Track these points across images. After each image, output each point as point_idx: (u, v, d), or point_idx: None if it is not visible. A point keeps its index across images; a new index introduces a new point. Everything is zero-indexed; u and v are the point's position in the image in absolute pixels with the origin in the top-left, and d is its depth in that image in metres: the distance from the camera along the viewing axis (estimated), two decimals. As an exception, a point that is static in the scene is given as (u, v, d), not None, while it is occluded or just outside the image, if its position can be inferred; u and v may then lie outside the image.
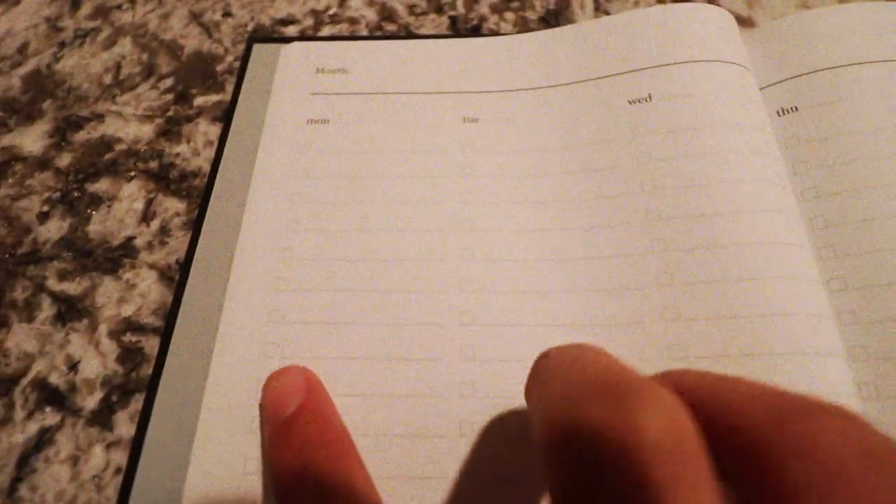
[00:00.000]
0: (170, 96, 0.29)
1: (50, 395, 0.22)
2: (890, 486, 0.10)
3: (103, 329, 0.23)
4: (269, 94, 0.27)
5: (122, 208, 0.26)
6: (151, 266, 0.24)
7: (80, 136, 0.28)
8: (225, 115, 0.27)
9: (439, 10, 0.31)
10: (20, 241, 0.25)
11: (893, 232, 0.22)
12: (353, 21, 0.31)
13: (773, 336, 0.20)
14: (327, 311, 0.22)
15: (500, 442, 0.20)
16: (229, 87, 0.29)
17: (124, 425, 0.21)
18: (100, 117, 0.28)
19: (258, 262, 0.23)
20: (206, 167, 0.26)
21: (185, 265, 0.23)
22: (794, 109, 0.26)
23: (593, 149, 0.25)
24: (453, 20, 0.31)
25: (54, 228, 0.25)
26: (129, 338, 0.23)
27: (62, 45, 0.31)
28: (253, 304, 0.22)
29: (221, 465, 0.20)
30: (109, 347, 0.23)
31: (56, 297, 0.24)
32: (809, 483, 0.11)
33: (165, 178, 0.27)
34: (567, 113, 0.26)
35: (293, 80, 0.28)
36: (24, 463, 0.21)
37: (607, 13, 0.31)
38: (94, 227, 0.25)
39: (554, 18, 0.31)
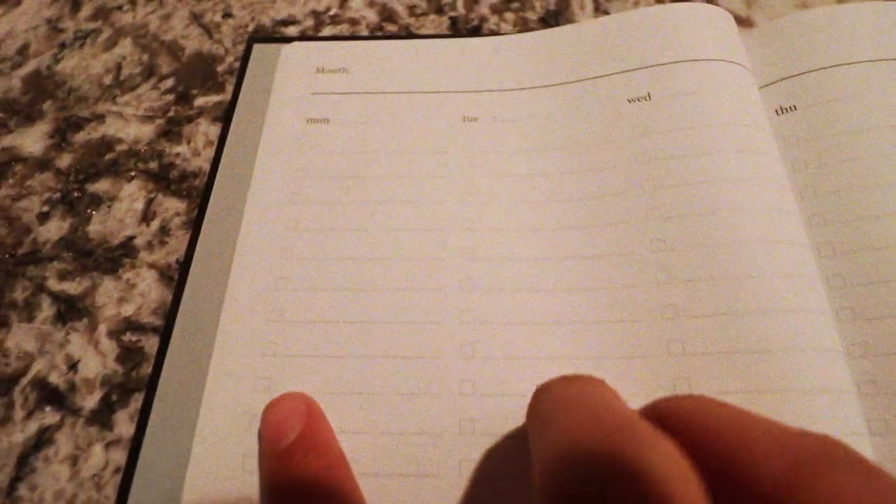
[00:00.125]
0: (170, 97, 0.29)
1: (49, 395, 0.22)
2: None
3: (103, 329, 0.23)
4: (270, 93, 0.27)
5: (123, 208, 0.26)
6: (151, 266, 0.24)
7: (81, 136, 0.28)
8: (225, 116, 0.27)
9: (439, 11, 0.31)
10: (20, 242, 0.25)
11: (892, 229, 0.22)
12: (353, 22, 0.31)
13: (772, 333, 0.20)
14: (327, 310, 0.22)
15: (501, 440, 0.20)
16: (230, 88, 0.29)
17: (124, 425, 0.21)
18: (100, 118, 0.28)
19: (258, 262, 0.23)
20: (207, 167, 0.26)
21: (185, 265, 0.23)
22: (792, 108, 0.26)
23: (593, 148, 0.25)
24: (453, 21, 0.31)
25: (54, 228, 0.26)
26: (128, 337, 0.23)
27: (62, 46, 0.31)
28: (253, 304, 0.22)
29: (221, 463, 0.20)
30: (109, 347, 0.23)
31: (56, 297, 0.24)
32: None
33: (165, 179, 0.27)
34: (567, 112, 0.26)
35: (293, 80, 0.28)
36: (24, 462, 0.21)
37: (607, 13, 0.31)
38: (95, 227, 0.25)
39: (554, 19, 0.31)
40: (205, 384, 0.21)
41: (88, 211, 0.26)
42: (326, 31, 0.31)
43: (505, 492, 0.19)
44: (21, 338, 0.23)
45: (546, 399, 0.16)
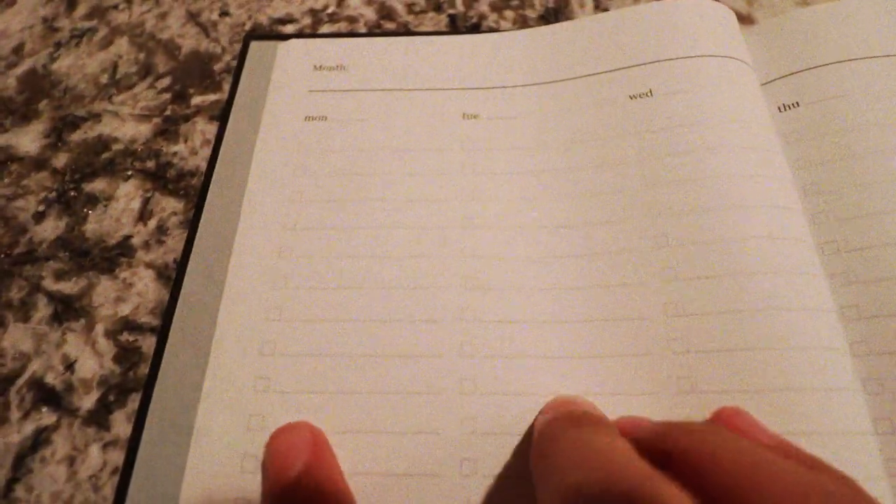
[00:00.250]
0: (167, 96, 0.29)
1: (46, 395, 0.22)
2: None
3: (100, 328, 0.23)
4: (267, 91, 0.27)
5: (119, 208, 0.26)
6: (148, 265, 0.24)
7: (77, 135, 0.28)
8: (222, 115, 0.27)
9: (438, 9, 0.31)
10: (16, 241, 0.25)
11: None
12: (351, 20, 0.31)
13: (776, 331, 0.20)
14: (326, 309, 0.22)
15: (502, 438, 0.20)
16: (227, 87, 0.29)
17: (121, 425, 0.21)
18: (96, 117, 0.28)
19: (256, 261, 0.23)
20: (204, 166, 0.26)
21: (182, 264, 0.23)
22: (795, 105, 0.26)
23: (594, 144, 0.25)
24: (452, 18, 0.31)
25: (50, 228, 0.25)
26: (125, 337, 0.23)
27: (58, 45, 0.31)
28: (251, 302, 0.22)
29: (219, 464, 0.20)
30: (106, 347, 0.23)
31: (52, 297, 0.24)
32: None
33: (162, 178, 0.26)
34: (568, 108, 0.26)
35: (291, 78, 0.28)
36: (21, 463, 0.21)
37: (606, 10, 0.30)
38: (91, 227, 0.25)
39: (553, 16, 0.31)
40: (202, 384, 0.21)
41: (85, 210, 0.26)
42: (324, 30, 0.31)
43: (507, 490, 0.19)
44: (17, 338, 0.23)
45: (556, 451, 0.16)
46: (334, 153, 0.25)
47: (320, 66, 0.28)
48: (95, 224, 0.25)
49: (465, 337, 0.21)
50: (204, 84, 0.29)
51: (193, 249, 0.24)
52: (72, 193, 0.26)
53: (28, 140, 0.28)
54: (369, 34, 0.30)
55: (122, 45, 0.31)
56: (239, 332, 0.22)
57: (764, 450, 0.14)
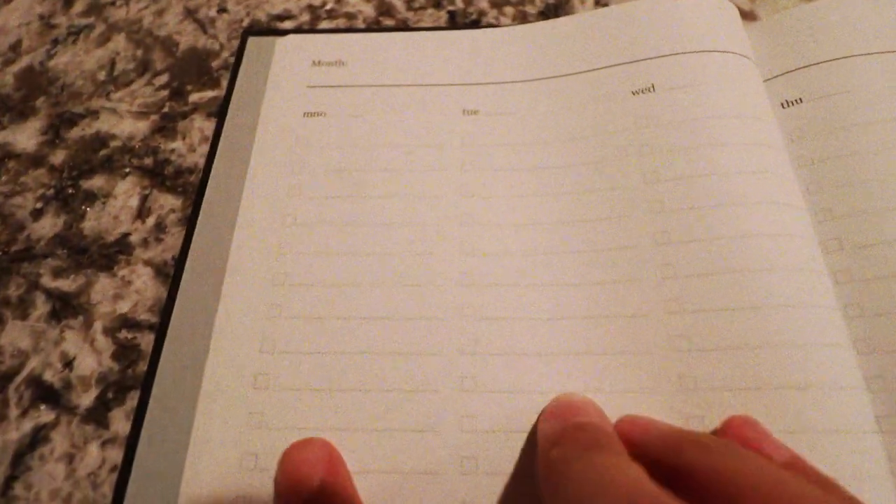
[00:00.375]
0: (165, 92, 0.29)
1: (45, 393, 0.22)
2: None
3: (98, 326, 0.23)
4: (265, 87, 0.27)
5: (117, 205, 0.26)
6: (147, 263, 0.24)
7: (75, 132, 0.28)
8: (220, 111, 0.27)
9: (437, 5, 0.31)
10: (14, 239, 0.25)
11: (898, 223, 0.22)
12: (350, 16, 0.31)
13: (777, 327, 0.20)
14: (325, 306, 0.22)
15: (502, 436, 0.20)
16: (225, 83, 0.29)
17: (120, 422, 0.21)
18: (94, 114, 0.28)
19: (255, 257, 0.23)
20: (202, 163, 0.26)
21: (180, 261, 0.23)
22: (798, 101, 0.26)
23: (596, 140, 0.25)
24: (452, 15, 0.31)
25: (48, 225, 0.25)
26: (124, 335, 0.23)
27: (55, 41, 0.30)
28: (249, 299, 0.22)
29: (218, 460, 0.19)
30: (105, 344, 0.23)
31: (50, 295, 0.24)
32: None
33: (160, 175, 0.26)
34: (569, 104, 0.26)
35: (289, 73, 0.27)
36: (19, 461, 0.21)
37: (606, 6, 0.30)
38: (89, 224, 0.25)
39: (553, 13, 0.30)
40: (201, 381, 0.21)
41: (83, 208, 0.26)
42: (323, 26, 0.30)
43: (507, 488, 0.19)
44: (15, 335, 0.23)
45: (568, 483, 0.16)
46: (333, 149, 0.25)
47: (319, 62, 0.28)
48: (93, 221, 0.25)
49: (465, 334, 0.21)
50: (202, 81, 0.29)
51: (191, 247, 0.23)
52: (70, 191, 0.26)
53: (25, 137, 0.28)
54: (368, 29, 0.30)
55: (119, 41, 0.30)
56: (238, 329, 0.22)
57: (782, 471, 0.14)
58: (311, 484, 0.18)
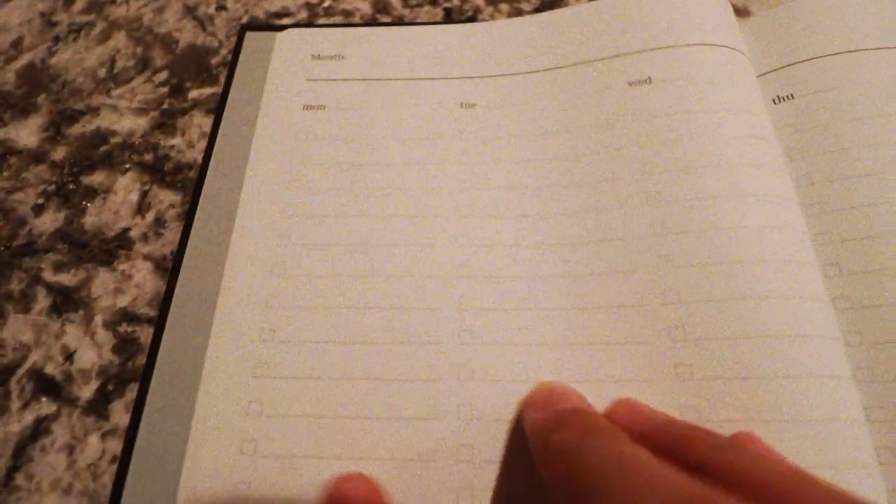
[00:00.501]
0: (164, 89, 0.29)
1: (46, 385, 0.22)
2: None
3: (99, 320, 0.23)
4: (263, 81, 0.27)
5: (117, 200, 0.26)
6: (147, 257, 0.24)
7: (75, 129, 0.28)
8: (218, 106, 0.27)
9: (434, 2, 0.31)
10: (16, 234, 0.25)
11: (888, 217, 0.22)
12: (347, 13, 0.31)
13: (769, 318, 0.20)
14: (325, 297, 0.22)
15: (499, 425, 0.20)
16: (223, 80, 0.29)
17: (120, 414, 0.21)
18: (94, 111, 0.28)
19: (254, 248, 0.23)
20: (201, 159, 0.26)
21: (179, 253, 0.23)
22: (790, 97, 0.26)
23: (592, 132, 0.25)
24: (448, 12, 0.31)
25: (49, 221, 0.26)
26: (124, 328, 0.23)
27: (56, 39, 0.31)
28: (249, 290, 0.22)
29: (218, 450, 0.20)
30: (105, 338, 0.23)
31: (51, 289, 0.24)
32: None
33: (160, 171, 0.27)
34: (566, 96, 0.26)
35: (289, 67, 0.28)
36: (21, 452, 0.21)
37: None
38: (90, 219, 0.25)
39: (548, 9, 0.31)
40: (201, 372, 0.21)
41: (83, 203, 0.26)
42: (321, 23, 0.31)
43: (505, 475, 0.19)
44: (17, 329, 0.23)
45: (581, 467, 0.15)
46: (333, 142, 0.26)
47: (318, 56, 0.28)
48: (94, 217, 0.26)
49: (463, 324, 0.22)
50: (201, 78, 0.29)
51: (190, 239, 0.24)
52: (70, 186, 0.26)
53: (27, 133, 0.28)
54: (367, 24, 0.30)
55: (119, 39, 0.31)
56: (238, 318, 0.22)
57: (802, 471, 0.14)
58: None
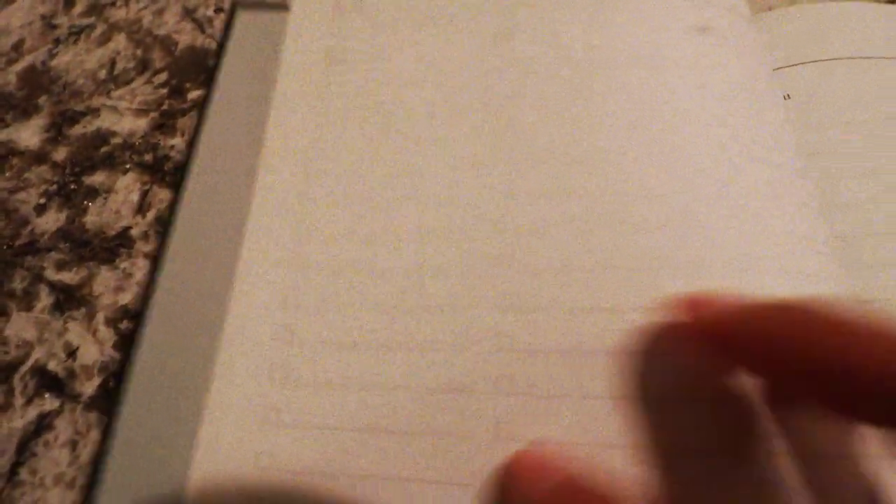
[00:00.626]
0: (164, 91, 0.29)
1: (49, 382, 0.22)
2: None
3: (101, 317, 0.24)
4: (282, 43, 0.26)
5: (118, 200, 0.26)
6: (147, 255, 0.25)
7: (76, 130, 0.28)
8: (208, 79, 0.28)
9: None
10: (18, 233, 0.26)
11: (868, 216, 0.23)
12: (344, 15, 0.31)
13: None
14: (352, 258, 0.21)
15: (540, 403, 0.18)
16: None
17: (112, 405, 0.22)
18: (95, 112, 0.29)
19: (277, 207, 0.22)
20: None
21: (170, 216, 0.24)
22: (786, 97, 0.26)
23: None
24: None
25: (52, 220, 0.26)
26: (125, 325, 0.23)
27: (57, 41, 0.31)
28: (272, 251, 0.21)
29: (239, 418, 0.19)
30: (107, 335, 0.23)
31: (54, 287, 0.24)
32: None
33: (160, 171, 0.27)
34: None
35: (310, 19, 0.27)
36: (24, 447, 0.21)
37: None
38: (91, 219, 0.26)
39: None
40: (221, 337, 0.20)
41: (85, 203, 0.26)
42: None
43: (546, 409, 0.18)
44: (20, 326, 0.23)
45: None
46: (360, 96, 0.24)
47: (338, 5, 0.27)
48: (95, 216, 0.26)
49: (503, 288, 0.20)
50: (200, 79, 0.29)
51: (186, 194, 0.24)
52: (72, 186, 0.27)
53: (28, 134, 0.28)
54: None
55: (119, 41, 0.31)
56: (260, 281, 0.21)
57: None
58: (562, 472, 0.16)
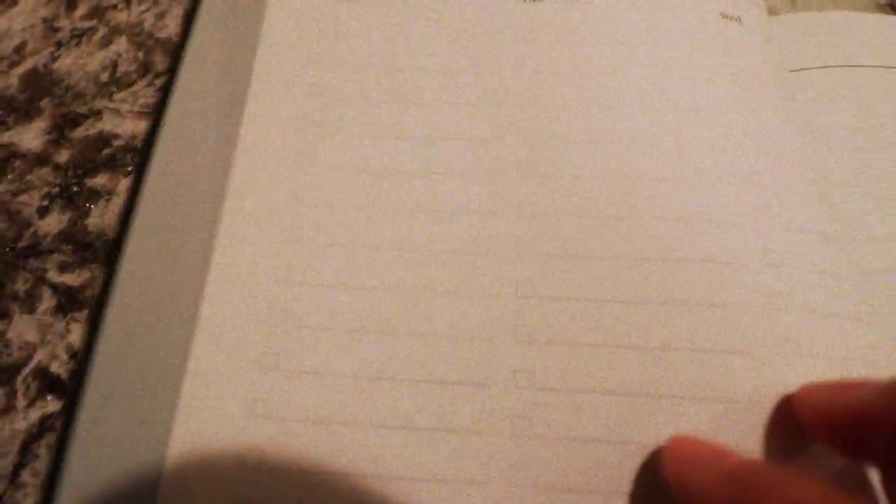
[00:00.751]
0: (165, 93, 0.29)
1: (51, 384, 0.22)
2: None
3: (103, 319, 0.24)
4: None
5: (120, 202, 0.26)
6: (150, 257, 0.25)
7: (78, 132, 0.28)
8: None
9: None
10: (20, 235, 0.26)
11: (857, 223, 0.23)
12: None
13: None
14: (351, 231, 0.19)
15: (557, 396, 0.18)
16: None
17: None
18: (97, 114, 0.29)
19: (267, 172, 0.20)
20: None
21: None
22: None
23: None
24: None
25: (54, 222, 0.26)
26: (128, 327, 0.23)
27: (59, 44, 0.31)
28: (267, 218, 0.20)
29: (219, 408, 0.18)
30: (109, 336, 0.23)
31: (56, 289, 0.24)
32: None
33: (162, 173, 0.27)
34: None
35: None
36: (27, 449, 0.21)
37: None
38: (93, 221, 0.26)
39: None
40: (196, 318, 0.19)
41: (87, 205, 0.26)
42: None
43: (558, 452, 0.17)
44: (22, 328, 0.24)
45: None
46: (365, 44, 0.22)
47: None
48: (97, 218, 0.26)
49: (520, 275, 0.18)
50: (202, 81, 0.29)
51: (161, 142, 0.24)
52: (74, 189, 0.27)
53: (31, 137, 0.28)
54: None
55: (121, 44, 0.31)
56: (248, 252, 0.20)
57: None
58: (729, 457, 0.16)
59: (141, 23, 0.32)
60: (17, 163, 0.28)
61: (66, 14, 0.32)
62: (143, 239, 0.21)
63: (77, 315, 0.24)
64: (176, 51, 0.31)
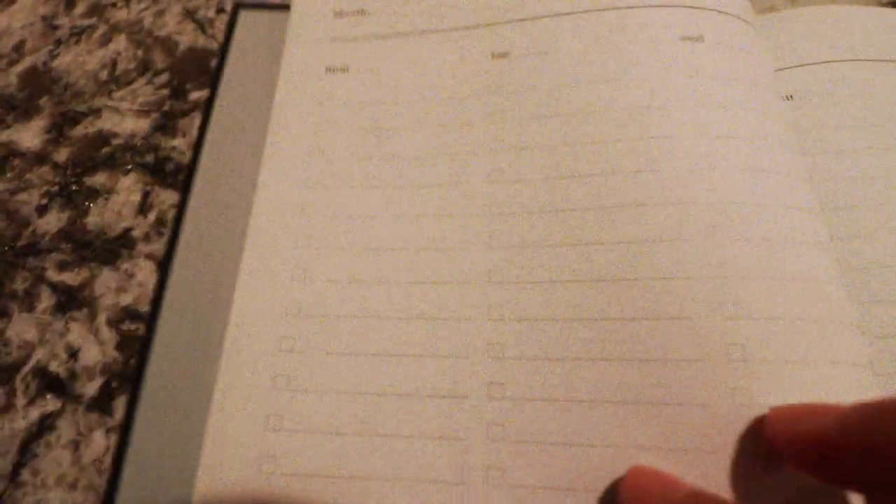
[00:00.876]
0: (165, 91, 0.29)
1: (51, 383, 0.22)
2: None
3: (102, 318, 0.24)
4: (282, 45, 0.26)
5: (119, 201, 0.26)
6: (148, 256, 0.25)
7: (78, 131, 0.28)
8: (212, 82, 0.28)
9: None
10: (20, 234, 0.26)
11: (869, 221, 0.23)
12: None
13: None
14: (351, 270, 0.22)
15: (530, 404, 0.19)
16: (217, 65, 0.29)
17: (123, 411, 0.22)
18: (96, 112, 0.29)
19: (276, 219, 0.22)
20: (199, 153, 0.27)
21: (179, 215, 0.24)
22: (789, 98, 0.26)
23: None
24: None
25: (53, 221, 0.26)
26: (127, 326, 0.23)
27: (58, 42, 0.31)
28: (274, 262, 0.22)
29: (242, 427, 0.19)
30: (108, 335, 0.23)
31: (55, 288, 0.24)
32: None
33: (161, 171, 0.27)
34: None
35: (310, 27, 0.26)
36: (27, 448, 0.21)
37: None
38: (93, 220, 0.26)
39: None
40: (222, 345, 0.21)
41: (86, 204, 0.26)
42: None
43: (534, 457, 0.18)
44: (22, 327, 0.24)
45: None
46: (357, 106, 0.24)
47: (341, 12, 0.27)
48: (97, 217, 0.26)
49: (493, 299, 0.20)
50: (201, 80, 0.29)
51: (191, 205, 0.24)
52: (73, 187, 0.27)
53: (30, 135, 0.28)
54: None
55: (120, 42, 0.31)
56: (260, 295, 0.21)
57: None
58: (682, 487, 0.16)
59: (140, 21, 0.32)
60: (17, 161, 0.28)
61: (66, 12, 0.32)
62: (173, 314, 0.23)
63: (76, 314, 0.24)
64: (176, 49, 0.31)
